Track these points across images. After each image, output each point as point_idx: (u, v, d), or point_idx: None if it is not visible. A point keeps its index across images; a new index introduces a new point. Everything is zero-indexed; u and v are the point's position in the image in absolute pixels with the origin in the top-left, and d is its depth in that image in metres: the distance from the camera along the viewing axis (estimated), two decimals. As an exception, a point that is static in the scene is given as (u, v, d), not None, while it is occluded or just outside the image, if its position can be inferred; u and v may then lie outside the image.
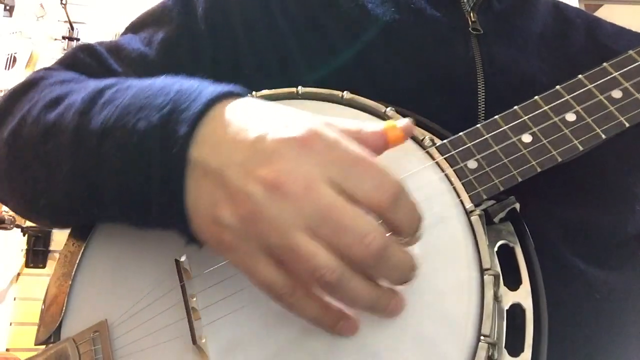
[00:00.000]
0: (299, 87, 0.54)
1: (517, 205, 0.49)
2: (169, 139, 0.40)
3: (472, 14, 0.62)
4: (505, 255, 0.47)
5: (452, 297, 0.41)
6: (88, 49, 0.64)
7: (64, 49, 2.45)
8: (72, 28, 2.47)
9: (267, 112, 0.40)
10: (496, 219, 0.49)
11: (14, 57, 2.37)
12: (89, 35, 2.47)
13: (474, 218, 0.43)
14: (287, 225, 0.35)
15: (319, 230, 0.35)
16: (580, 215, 0.54)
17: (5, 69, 2.35)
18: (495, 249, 0.47)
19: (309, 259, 0.35)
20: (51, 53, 2.44)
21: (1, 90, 2.24)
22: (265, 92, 0.54)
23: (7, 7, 2.51)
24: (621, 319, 0.53)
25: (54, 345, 0.48)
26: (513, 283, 0.46)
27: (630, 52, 0.47)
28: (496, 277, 0.41)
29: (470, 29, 0.61)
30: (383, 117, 0.50)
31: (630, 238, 0.56)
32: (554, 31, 0.65)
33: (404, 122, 0.42)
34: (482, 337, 0.38)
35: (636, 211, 0.56)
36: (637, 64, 0.46)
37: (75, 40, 2.46)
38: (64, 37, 2.46)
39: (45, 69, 0.63)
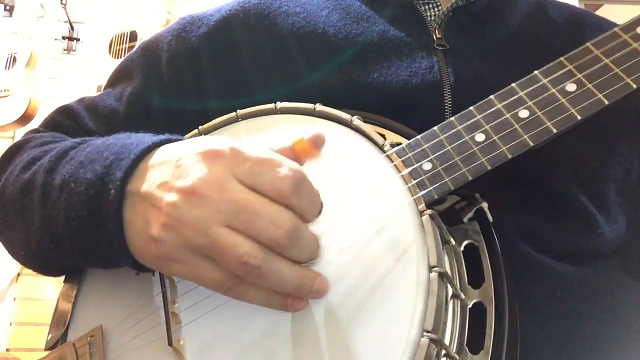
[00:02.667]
0: (278, 103, 0.57)
1: (485, 205, 0.49)
2: (109, 183, 0.45)
3: (437, 31, 0.63)
4: (472, 254, 0.48)
5: (401, 295, 0.42)
6: (66, 110, 0.72)
7: (64, 49, 2.49)
8: (72, 28, 2.50)
9: (188, 143, 0.45)
10: (465, 219, 0.49)
11: (14, 57, 2.37)
12: (89, 35, 2.50)
13: (425, 218, 0.44)
14: (207, 224, 0.39)
15: (236, 222, 0.39)
16: (544, 228, 0.55)
17: (5, 69, 2.36)
18: (462, 248, 0.48)
19: (231, 249, 0.39)
20: (51, 53, 2.48)
21: (1, 90, 2.29)
22: (246, 110, 0.58)
23: (7, 7, 2.52)
24: (585, 318, 0.51)
25: (56, 350, 0.54)
26: (478, 282, 0.46)
27: (588, 44, 0.46)
28: (442, 274, 0.41)
29: (435, 45, 0.62)
30: (350, 125, 0.52)
31: (591, 255, 0.55)
32: (530, 33, 0.64)
33: (311, 134, 0.45)
34: (424, 333, 0.39)
35: (599, 234, 0.55)
36: (592, 55, 0.45)
37: (75, 40, 2.49)
38: (64, 37, 2.50)
39: (31, 131, 0.71)
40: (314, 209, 0.42)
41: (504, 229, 0.52)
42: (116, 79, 0.74)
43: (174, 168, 0.43)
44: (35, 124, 2.23)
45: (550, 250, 0.53)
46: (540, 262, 0.52)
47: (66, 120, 0.71)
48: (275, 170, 0.40)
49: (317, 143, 0.45)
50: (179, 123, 0.59)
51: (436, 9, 0.65)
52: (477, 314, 0.44)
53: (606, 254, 0.57)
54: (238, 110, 0.58)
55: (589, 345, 0.51)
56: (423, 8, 0.66)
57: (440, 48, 0.61)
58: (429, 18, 0.65)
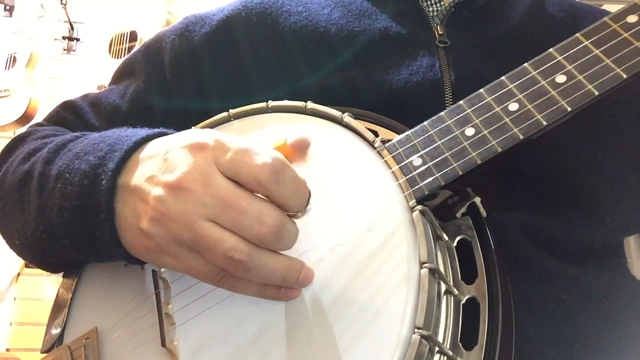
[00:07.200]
0: (269, 102, 0.57)
1: (478, 199, 0.48)
2: (101, 174, 0.46)
3: (438, 28, 0.62)
4: (466, 250, 0.47)
5: (392, 292, 0.41)
6: (70, 105, 0.72)
7: (64, 49, 2.48)
8: (72, 28, 2.49)
9: (177, 136, 0.45)
10: (458, 214, 0.49)
11: (14, 57, 2.37)
12: (89, 35, 2.48)
13: (415, 214, 0.43)
14: (193, 218, 0.39)
15: (222, 218, 0.39)
16: (549, 225, 0.54)
17: (5, 69, 2.35)
18: (455, 243, 0.48)
19: (217, 244, 0.39)
20: (51, 53, 2.47)
21: (1, 90, 2.29)
22: (238, 109, 0.58)
23: (7, 7, 2.51)
24: (590, 320, 0.51)
25: (52, 352, 0.54)
26: (471, 277, 0.46)
27: (577, 34, 0.45)
28: (433, 270, 0.41)
29: (437, 42, 0.61)
30: (341, 122, 0.52)
31: (598, 248, 0.54)
32: (530, 29, 0.63)
33: (293, 138, 0.46)
34: (416, 330, 0.39)
35: (606, 224, 0.54)
36: (582, 45, 0.44)
37: (75, 40, 2.48)
38: (64, 37, 2.48)
39: (35, 124, 0.71)
40: (298, 198, 0.41)
41: (507, 229, 0.52)
42: (120, 76, 0.74)
43: (162, 162, 0.43)
44: (35, 124, 2.22)
45: (555, 249, 0.53)
46: (544, 263, 0.51)
47: (69, 116, 0.72)
48: (253, 159, 0.40)
49: (300, 147, 0.45)
50: (181, 122, 0.59)
51: (439, 4, 0.65)
52: (471, 309, 0.44)
53: (614, 249, 0.56)
54: (230, 110, 0.58)
55: (594, 347, 0.50)
56: (426, 3, 0.65)
57: (442, 45, 0.61)
58: (431, 14, 0.64)
